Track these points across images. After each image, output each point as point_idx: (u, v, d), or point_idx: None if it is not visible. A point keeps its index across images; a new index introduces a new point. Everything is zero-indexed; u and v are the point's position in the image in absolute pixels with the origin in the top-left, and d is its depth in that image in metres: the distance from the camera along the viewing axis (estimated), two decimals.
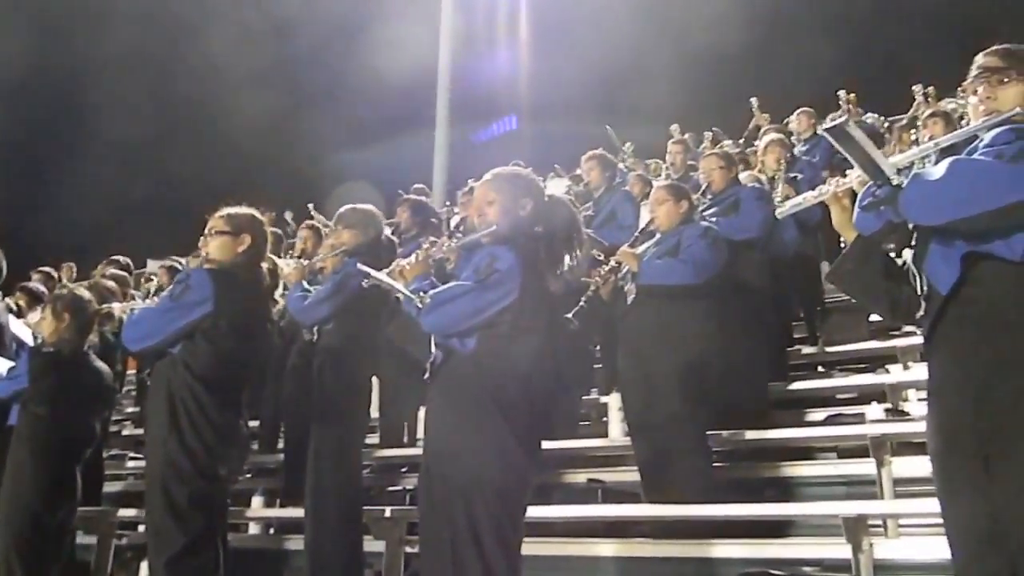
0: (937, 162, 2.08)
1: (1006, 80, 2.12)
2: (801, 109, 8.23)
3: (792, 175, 5.74)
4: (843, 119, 2.02)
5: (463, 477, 2.60)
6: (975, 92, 2.17)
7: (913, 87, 9.06)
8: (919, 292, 2.19)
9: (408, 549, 4.14)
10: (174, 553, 3.06)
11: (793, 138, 7.57)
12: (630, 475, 4.42)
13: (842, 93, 9.06)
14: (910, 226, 2.17)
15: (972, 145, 2.08)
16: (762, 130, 8.57)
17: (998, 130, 2.02)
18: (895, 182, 2.04)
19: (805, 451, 4.63)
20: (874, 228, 2.18)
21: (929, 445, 2.13)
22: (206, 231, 3.41)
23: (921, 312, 2.18)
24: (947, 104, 6.48)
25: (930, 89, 8.97)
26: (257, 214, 3.51)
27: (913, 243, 2.20)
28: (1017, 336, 1.93)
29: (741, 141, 9.50)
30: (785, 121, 8.57)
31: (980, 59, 2.18)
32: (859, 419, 4.43)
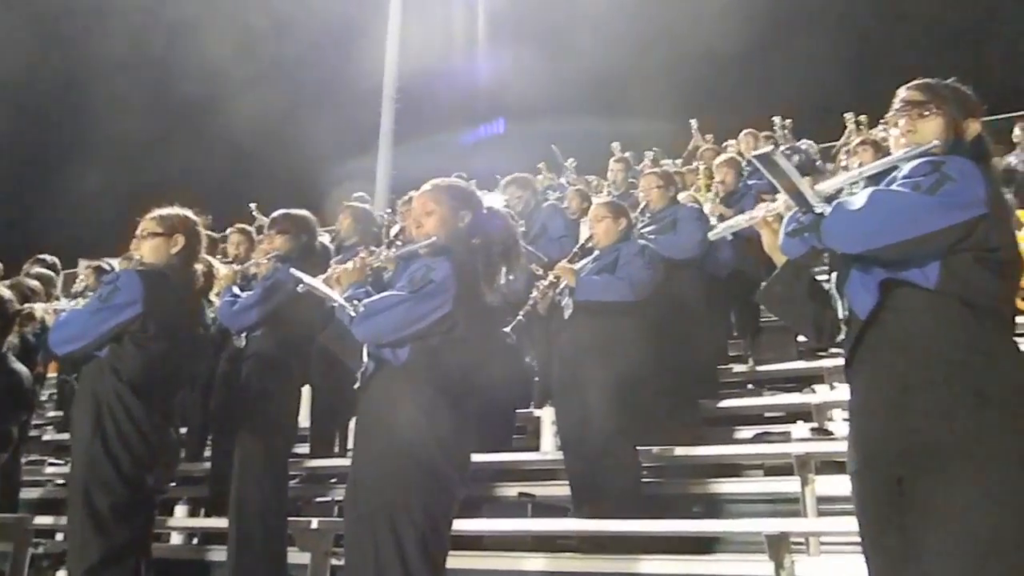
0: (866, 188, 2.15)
1: (926, 114, 2.20)
2: (747, 131, 8.42)
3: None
4: (770, 148, 2.07)
5: (390, 490, 2.58)
6: (896, 124, 2.25)
7: (845, 115, 9.37)
8: (840, 316, 2.25)
9: (334, 561, 4.08)
10: (94, 563, 2.98)
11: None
12: (561, 489, 4.43)
13: (777, 119, 9.32)
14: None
15: (891, 176, 2.16)
16: (701, 150, 8.74)
17: (916, 162, 2.10)
18: (818, 210, 2.10)
19: (734, 468, 4.71)
20: (799, 253, 2.24)
21: (848, 465, 2.19)
22: (138, 232, 3.33)
23: (842, 335, 2.24)
24: (878, 132, 6.70)
25: (862, 117, 9.29)
26: (191, 215, 3.44)
27: (835, 268, 2.26)
28: (929, 360, 2.00)
29: (679, 161, 9.67)
30: (724, 144, 8.76)
31: (902, 92, 2.26)
32: (785, 438, 4.53)
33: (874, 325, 2.10)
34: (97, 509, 2.97)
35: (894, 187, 2.06)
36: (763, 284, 2.48)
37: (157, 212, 3.37)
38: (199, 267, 3.45)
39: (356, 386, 2.82)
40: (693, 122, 10.27)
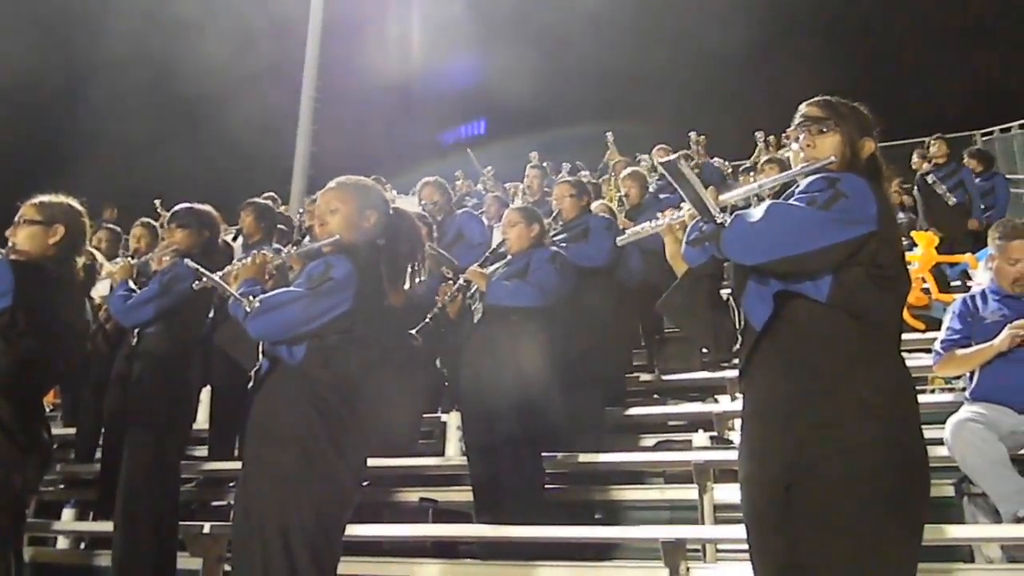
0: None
1: (825, 130, 2.25)
2: (659, 145, 8.59)
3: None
4: (675, 156, 2.10)
5: (280, 492, 2.49)
6: (797, 139, 2.30)
7: (756, 133, 9.68)
8: (737, 326, 2.29)
9: (227, 568, 3.94)
10: None
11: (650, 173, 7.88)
12: (465, 495, 4.40)
13: (692, 135, 9.53)
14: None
15: (789, 190, 2.20)
16: (613, 163, 8.88)
17: (813, 177, 2.15)
18: (719, 220, 2.13)
19: (636, 475, 4.76)
20: (699, 261, 2.28)
21: (739, 472, 2.22)
22: (16, 219, 3.13)
23: (738, 345, 2.28)
24: (785, 152, 6.94)
25: (771, 138, 9.61)
26: (75, 204, 3.26)
27: (733, 279, 2.30)
28: (816, 372, 2.04)
29: (595, 173, 9.81)
30: (637, 158, 8.91)
31: (803, 108, 2.32)
32: (686, 446, 4.60)
33: (768, 336, 2.13)
34: None
35: (791, 201, 2.10)
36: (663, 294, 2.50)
37: (39, 199, 3.17)
38: (80, 260, 3.26)
39: (250, 386, 2.72)
40: (609, 135, 10.40)
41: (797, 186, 2.18)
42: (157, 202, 9.15)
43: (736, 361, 2.35)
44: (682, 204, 2.40)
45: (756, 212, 2.09)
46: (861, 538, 1.94)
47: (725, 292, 2.40)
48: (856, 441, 1.97)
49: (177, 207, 4.22)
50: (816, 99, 2.33)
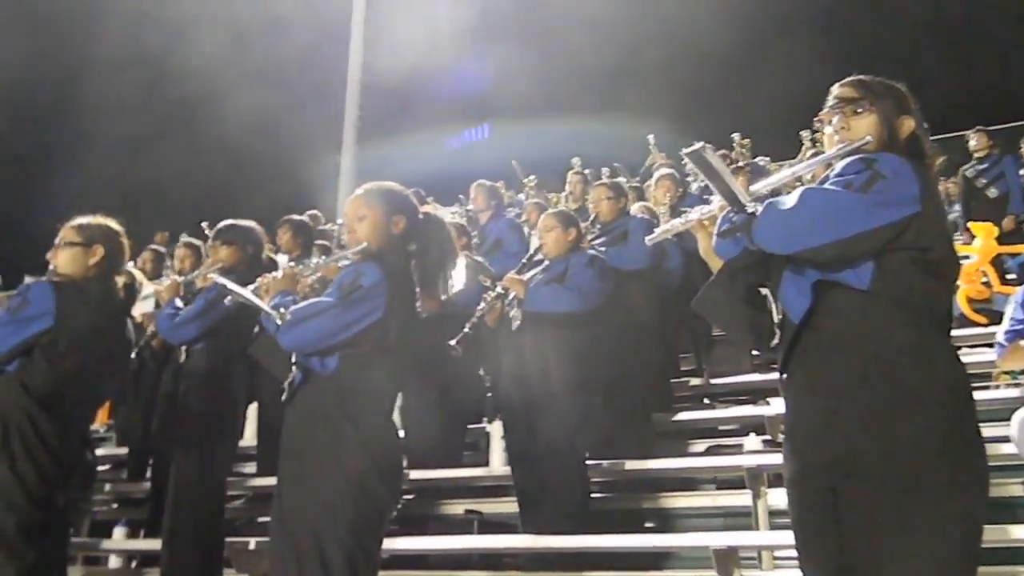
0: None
1: (860, 111, 2.15)
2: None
3: (683, 209, 5.83)
4: (700, 145, 2.01)
5: (315, 507, 2.46)
6: (830, 122, 2.20)
7: (801, 132, 9.44)
8: (775, 320, 2.19)
9: None
10: None
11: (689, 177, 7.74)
12: (510, 506, 4.33)
13: (736, 136, 9.31)
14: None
15: (824, 174, 2.10)
16: (656, 165, 8.76)
17: (849, 159, 2.04)
18: (750, 209, 2.04)
19: (687, 482, 4.64)
20: (731, 254, 2.16)
21: (784, 473, 2.12)
22: (56, 241, 3.18)
23: (776, 340, 2.17)
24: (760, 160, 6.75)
25: (817, 135, 9.36)
26: (113, 224, 3.30)
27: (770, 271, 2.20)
28: (862, 364, 1.93)
29: (637, 178, 9.68)
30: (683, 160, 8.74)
31: (836, 89, 2.21)
32: (737, 450, 4.47)
33: (807, 328, 2.03)
34: (3, 530, 2.81)
35: (826, 186, 2.00)
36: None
37: (77, 221, 3.22)
38: (120, 279, 3.30)
39: (283, 398, 2.70)
40: (651, 138, 10.27)
41: (832, 170, 2.07)
42: (204, 224, 9.30)
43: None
44: (712, 197, 2.33)
45: (789, 199, 2.00)
46: (915, 539, 1.82)
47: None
48: (907, 436, 1.85)
49: (221, 224, 4.26)
50: (849, 79, 2.22)
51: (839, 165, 2.06)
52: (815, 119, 2.25)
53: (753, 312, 2.28)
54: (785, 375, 2.13)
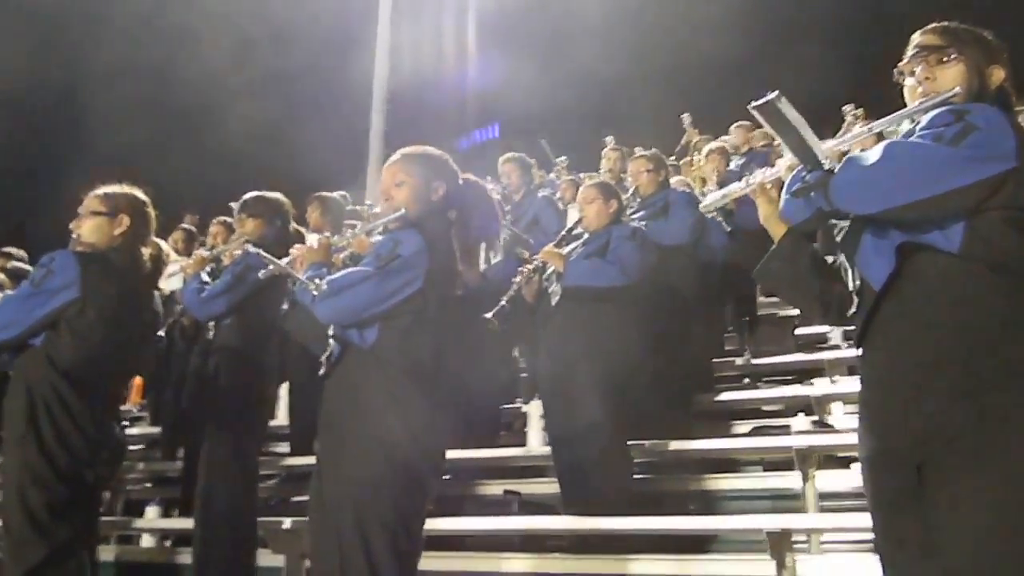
0: None
1: (945, 59, 1.97)
2: (738, 123, 8.19)
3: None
4: (775, 94, 1.84)
5: (355, 485, 2.35)
6: (912, 73, 2.02)
7: (843, 107, 9.10)
8: (851, 288, 2.03)
9: (310, 564, 3.85)
10: (34, 565, 2.73)
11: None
12: (549, 487, 4.22)
13: (848, 107, 8.67)
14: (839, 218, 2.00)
15: (909, 128, 1.93)
16: (694, 143, 8.53)
17: (936, 111, 1.87)
18: (827, 166, 1.88)
19: (730, 463, 4.50)
20: (803, 217, 1.97)
21: (860, 451, 1.97)
22: (80, 210, 3.08)
23: (853, 309, 2.01)
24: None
25: (859, 111, 9.04)
26: (139, 194, 3.19)
27: (842, 234, 2.03)
28: (953, 334, 1.77)
29: (672, 156, 9.45)
30: (720, 137, 8.51)
31: (917, 37, 2.03)
32: (785, 431, 4.31)
33: (890, 295, 1.87)
34: (33, 508, 2.73)
35: (913, 139, 1.83)
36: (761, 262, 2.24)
37: (102, 190, 3.12)
38: (146, 251, 3.18)
39: (321, 372, 2.59)
40: (685, 116, 10.03)
41: (918, 124, 1.90)
42: (234, 205, 9.24)
43: (836, 341, 2.09)
44: (776, 161, 2.16)
45: (871, 154, 1.83)
46: (1010, 521, 1.67)
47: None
48: (1004, 411, 1.69)
49: (246, 196, 4.15)
50: (932, 25, 2.04)
51: (925, 118, 1.88)
52: (894, 69, 2.07)
53: (820, 281, 2.12)
54: (862, 347, 1.97)
